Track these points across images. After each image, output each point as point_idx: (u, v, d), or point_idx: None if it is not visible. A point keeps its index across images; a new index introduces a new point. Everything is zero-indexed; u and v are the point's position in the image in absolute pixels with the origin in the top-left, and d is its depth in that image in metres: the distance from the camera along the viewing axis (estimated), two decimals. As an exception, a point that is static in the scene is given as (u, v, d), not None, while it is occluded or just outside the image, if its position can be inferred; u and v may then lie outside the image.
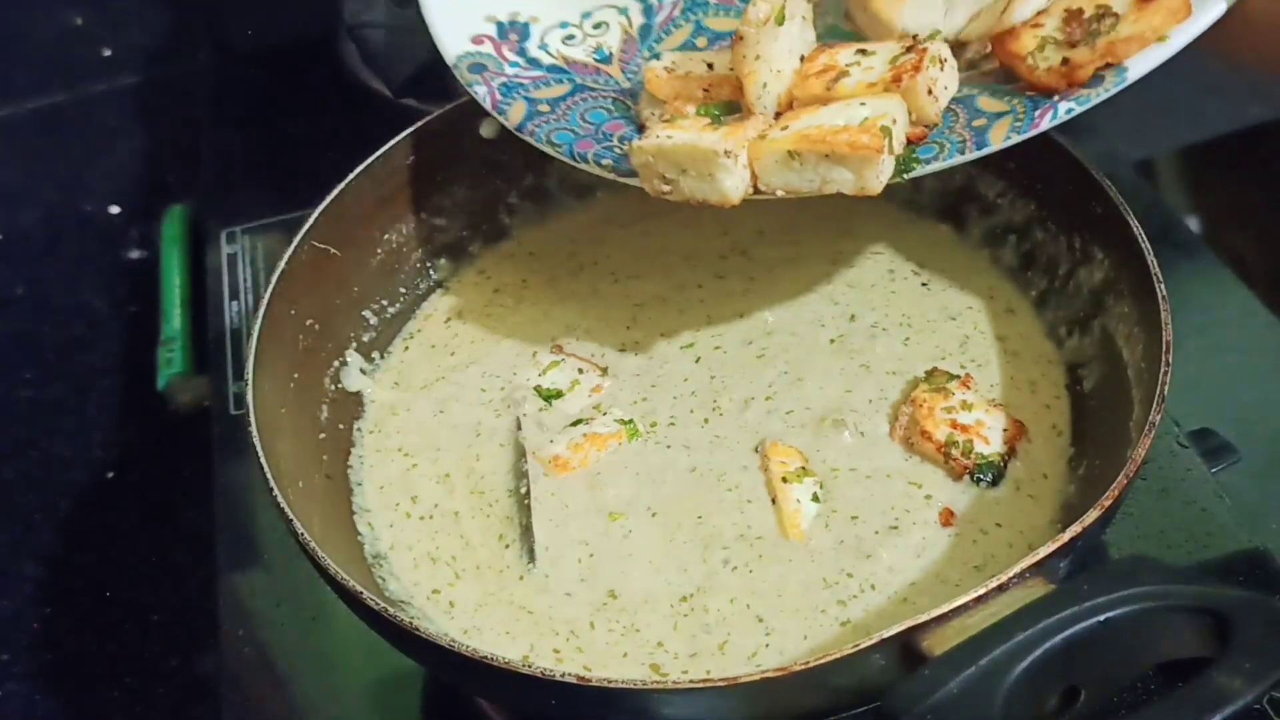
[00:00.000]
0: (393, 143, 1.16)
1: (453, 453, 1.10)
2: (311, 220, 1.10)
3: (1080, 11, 0.93)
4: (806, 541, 0.98)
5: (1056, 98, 0.92)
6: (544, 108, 1.06)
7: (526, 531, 1.02)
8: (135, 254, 1.73)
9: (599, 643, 0.95)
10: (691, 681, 0.80)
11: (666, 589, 0.97)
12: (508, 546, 1.02)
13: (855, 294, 1.17)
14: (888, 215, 1.22)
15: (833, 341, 1.13)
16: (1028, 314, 1.13)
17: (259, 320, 1.03)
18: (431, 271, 1.24)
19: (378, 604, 0.85)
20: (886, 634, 0.77)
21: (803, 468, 1.02)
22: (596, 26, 1.12)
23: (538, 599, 0.98)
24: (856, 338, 1.12)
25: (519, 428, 1.09)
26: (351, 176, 1.13)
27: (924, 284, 1.17)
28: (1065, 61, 0.92)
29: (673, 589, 0.97)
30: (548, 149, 1.04)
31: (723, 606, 0.95)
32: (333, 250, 1.12)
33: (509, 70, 1.08)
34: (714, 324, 1.16)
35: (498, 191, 1.26)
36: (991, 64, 0.99)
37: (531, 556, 1.01)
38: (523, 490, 1.05)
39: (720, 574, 0.97)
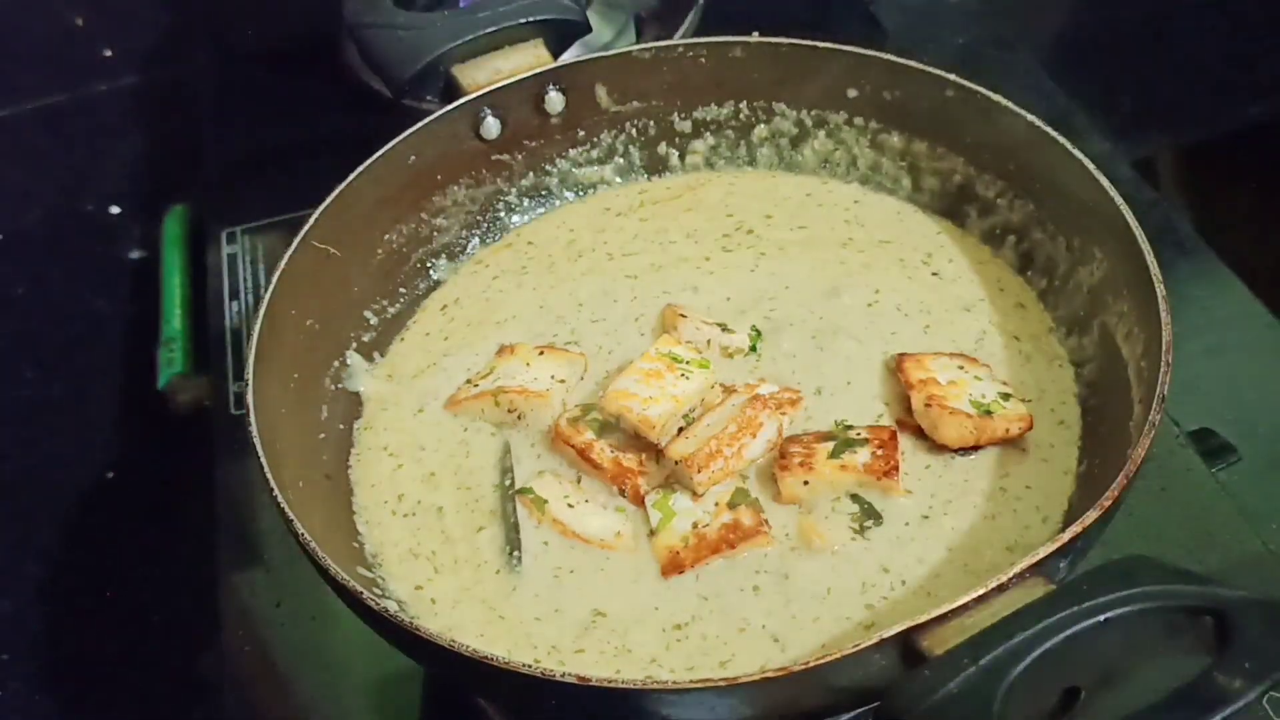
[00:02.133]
0: (393, 143, 1.16)
1: (440, 448, 1.09)
2: (311, 220, 1.10)
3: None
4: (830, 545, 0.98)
5: None
6: None
7: (512, 528, 1.02)
8: (135, 254, 1.73)
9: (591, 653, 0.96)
10: (692, 681, 0.80)
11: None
12: (480, 530, 1.03)
13: (873, 275, 1.17)
14: (891, 206, 1.22)
15: (870, 305, 1.13)
16: (1036, 308, 1.13)
17: (259, 320, 1.03)
18: (431, 271, 1.24)
19: (378, 604, 0.85)
20: (886, 634, 0.77)
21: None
22: None
23: (513, 599, 0.98)
24: (885, 314, 1.13)
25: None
26: (352, 176, 1.13)
27: (934, 274, 1.16)
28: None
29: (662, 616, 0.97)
30: None
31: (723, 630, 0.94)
32: (333, 250, 1.12)
33: None
34: (735, 300, 1.16)
35: (498, 191, 1.26)
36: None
37: (516, 547, 1.01)
38: (506, 483, 1.05)
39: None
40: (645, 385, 1.04)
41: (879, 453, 1.00)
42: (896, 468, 0.99)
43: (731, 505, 0.99)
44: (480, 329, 1.18)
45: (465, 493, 1.06)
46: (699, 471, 0.99)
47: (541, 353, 1.12)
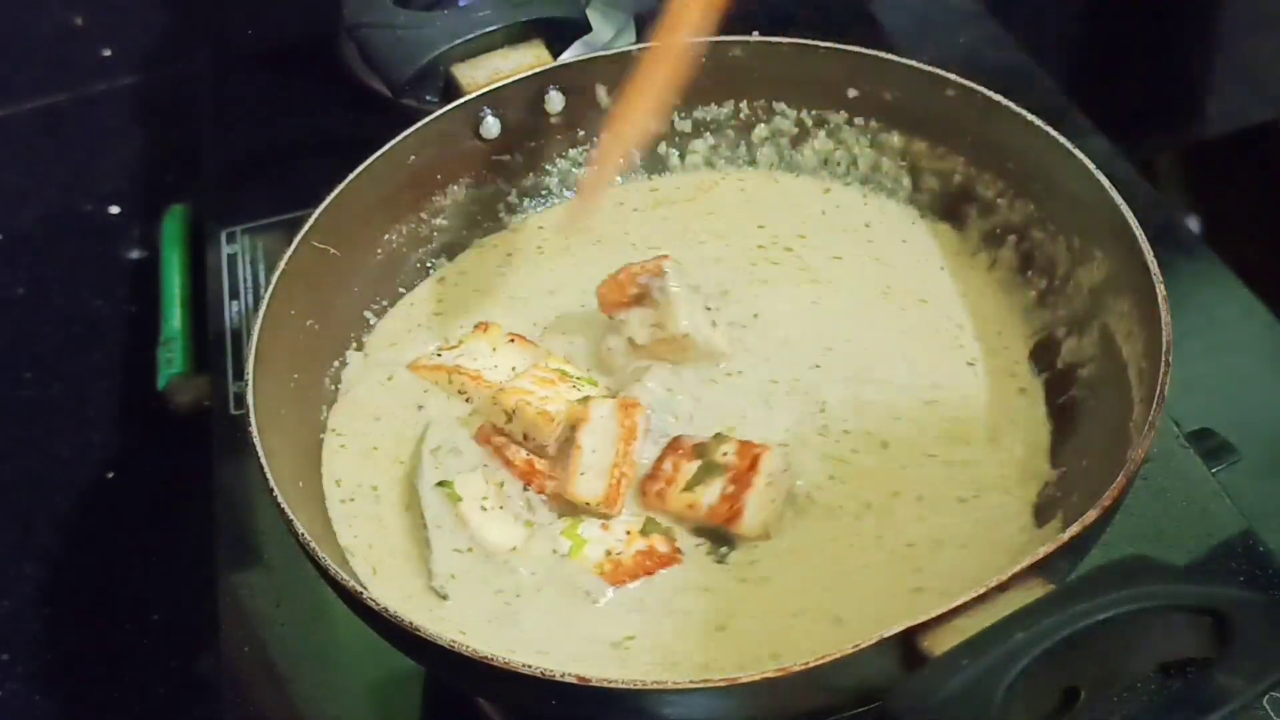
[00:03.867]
0: (393, 143, 1.16)
1: (390, 427, 1.08)
2: (311, 220, 1.10)
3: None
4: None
5: None
6: None
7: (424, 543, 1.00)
8: (135, 254, 1.73)
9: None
10: (692, 681, 0.80)
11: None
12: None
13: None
14: (902, 213, 1.23)
15: (894, 308, 1.14)
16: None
17: (259, 320, 1.03)
18: (431, 271, 1.24)
19: (378, 604, 0.85)
20: (886, 634, 0.77)
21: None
22: None
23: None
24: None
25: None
26: (352, 176, 1.13)
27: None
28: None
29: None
30: None
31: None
32: (333, 250, 1.12)
33: None
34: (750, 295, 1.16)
35: (498, 191, 1.26)
36: None
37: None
38: (434, 478, 1.03)
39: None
40: (542, 386, 1.04)
41: (729, 490, 0.97)
42: (741, 512, 0.95)
43: (644, 533, 0.98)
44: (481, 300, 1.18)
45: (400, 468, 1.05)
46: (613, 505, 0.98)
47: (512, 340, 1.11)
